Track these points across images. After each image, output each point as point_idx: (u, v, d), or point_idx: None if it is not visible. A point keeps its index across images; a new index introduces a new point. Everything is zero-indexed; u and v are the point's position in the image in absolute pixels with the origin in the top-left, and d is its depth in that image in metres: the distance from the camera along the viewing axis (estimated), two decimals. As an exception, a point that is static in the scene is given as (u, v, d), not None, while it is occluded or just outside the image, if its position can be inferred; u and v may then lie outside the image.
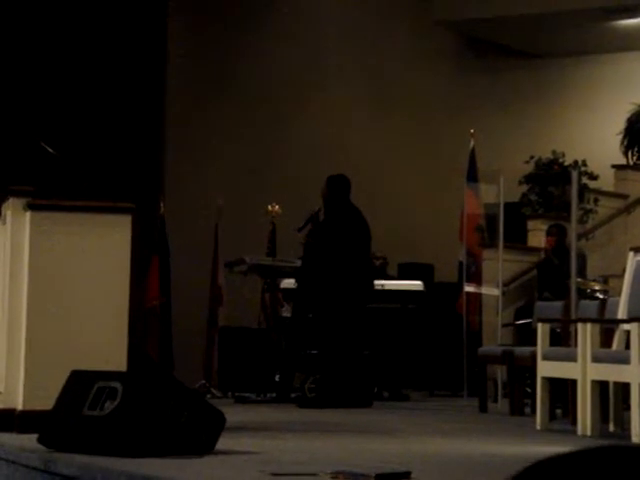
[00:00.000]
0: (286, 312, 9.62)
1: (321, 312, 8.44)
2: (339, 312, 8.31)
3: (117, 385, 4.45)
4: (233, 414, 5.58)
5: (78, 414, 4.48)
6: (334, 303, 8.33)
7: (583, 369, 6.01)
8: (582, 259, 9.54)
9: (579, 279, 8.13)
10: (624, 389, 6.07)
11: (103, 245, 5.58)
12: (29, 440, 4.66)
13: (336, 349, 8.29)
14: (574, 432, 6.09)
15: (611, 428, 6.28)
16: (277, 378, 9.17)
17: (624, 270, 6.41)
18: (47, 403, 4.74)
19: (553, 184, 11.08)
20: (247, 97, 12.85)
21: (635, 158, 11.72)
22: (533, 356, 6.89)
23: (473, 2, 12.16)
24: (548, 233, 10.30)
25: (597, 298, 8.20)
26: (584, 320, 6.22)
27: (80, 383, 4.63)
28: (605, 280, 9.64)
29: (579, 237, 9.00)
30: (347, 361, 8.29)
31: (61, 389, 4.69)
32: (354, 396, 8.22)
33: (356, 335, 8.42)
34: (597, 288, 9.13)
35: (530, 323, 8.05)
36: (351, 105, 13.16)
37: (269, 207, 10.39)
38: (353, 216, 8.55)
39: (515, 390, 7.85)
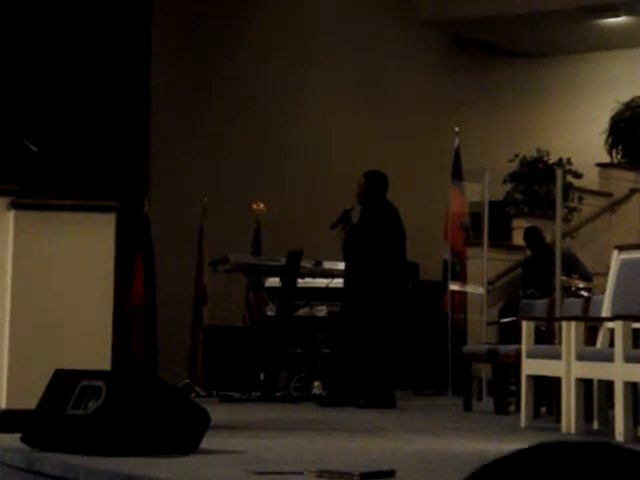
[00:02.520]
0: (271, 311, 9.61)
1: (361, 312, 8.30)
2: (377, 313, 8.18)
3: (101, 384, 4.44)
4: (218, 413, 5.57)
5: (62, 413, 4.47)
6: (373, 303, 8.18)
7: (567, 367, 6.02)
8: (572, 259, 9.56)
9: (564, 277, 8.15)
10: (608, 387, 6.09)
11: (87, 244, 5.57)
12: (12, 439, 4.65)
13: (374, 350, 8.16)
14: (558, 430, 6.11)
15: (595, 426, 6.30)
16: (262, 377, 9.16)
17: (608, 268, 6.42)
18: (30, 402, 4.72)
19: (538, 182, 11.10)
20: (233, 96, 12.83)
21: (619, 156, 11.76)
22: (518, 354, 6.90)
23: (459, 2, 12.17)
24: (531, 232, 10.33)
25: (581, 296, 8.22)
26: (568, 318, 6.24)
27: (64, 382, 4.62)
28: (589, 278, 9.67)
29: (564, 235, 9.02)
30: (380, 362, 8.17)
31: (45, 388, 4.68)
32: (380, 396, 8.14)
33: (393, 336, 8.29)
34: (581, 286, 9.15)
35: (515, 321, 8.07)
36: (337, 104, 13.16)
37: (254, 205, 10.38)
38: (390, 213, 8.41)
39: (500, 388, 7.86)
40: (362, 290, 8.25)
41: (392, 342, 8.30)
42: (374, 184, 8.44)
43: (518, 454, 1.27)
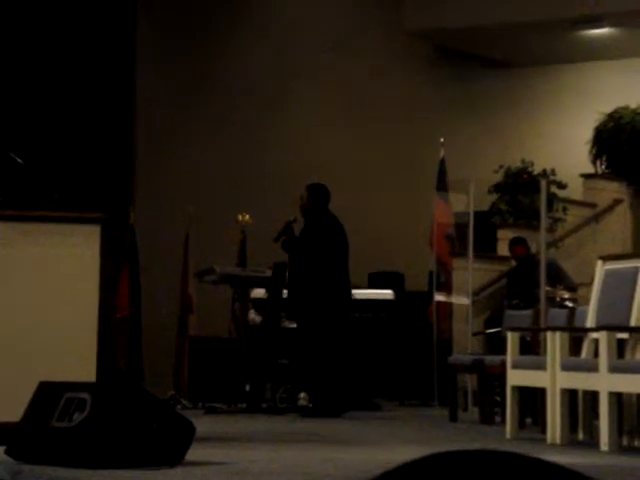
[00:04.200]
0: (256, 322, 9.60)
1: (305, 322, 8.42)
2: (323, 322, 8.29)
3: (86, 396, 4.42)
4: (203, 424, 5.56)
5: (46, 425, 4.45)
6: (317, 313, 8.30)
7: (552, 378, 6.04)
8: (556, 270, 9.58)
9: (548, 288, 8.17)
10: (593, 397, 6.10)
11: (72, 255, 5.55)
12: (-3, 452, 4.63)
13: (323, 359, 8.26)
14: (544, 441, 6.12)
15: (580, 437, 6.31)
16: (247, 388, 9.15)
17: (593, 279, 6.44)
18: (15, 414, 4.71)
19: (522, 193, 11.13)
20: (218, 106, 12.84)
21: (603, 167, 11.80)
22: (503, 365, 6.91)
23: (443, 12, 12.21)
24: (517, 242, 10.35)
25: (566, 306, 8.24)
26: (553, 329, 6.25)
27: (48, 394, 4.60)
28: (574, 288, 9.69)
29: (548, 246, 9.04)
30: (335, 369, 8.27)
31: (29, 400, 4.66)
32: (353, 401, 8.23)
33: (341, 344, 8.39)
34: (566, 296, 9.17)
35: (500, 332, 8.08)
36: (322, 114, 13.18)
37: (239, 217, 10.38)
38: (332, 225, 8.53)
39: (485, 399, 7.87)
40: (306, 301, 8.35)
41: (338, 352, 8.36)
42: (316, 196, 8.55)
43: (415, 462, 1.28)
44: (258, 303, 9.68)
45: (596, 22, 11.68)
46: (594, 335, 6.03)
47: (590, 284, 6.64)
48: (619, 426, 5.73)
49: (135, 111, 12.38)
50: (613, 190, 11.65)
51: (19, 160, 5.96)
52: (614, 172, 11.72)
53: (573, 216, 11.30)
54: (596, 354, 5.87)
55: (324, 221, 8.51)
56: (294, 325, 9.42)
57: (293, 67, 13.06)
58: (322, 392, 8.28)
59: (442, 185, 10.26)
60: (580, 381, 5.92)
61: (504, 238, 10.97)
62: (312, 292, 8.33)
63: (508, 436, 6.48)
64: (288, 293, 8.61)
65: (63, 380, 4.77)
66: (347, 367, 8.49)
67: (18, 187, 5.79)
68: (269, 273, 9.13)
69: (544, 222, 7.76)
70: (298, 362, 9.52)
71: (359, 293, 9.73)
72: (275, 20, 13.08)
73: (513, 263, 10.62)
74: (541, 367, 6.16)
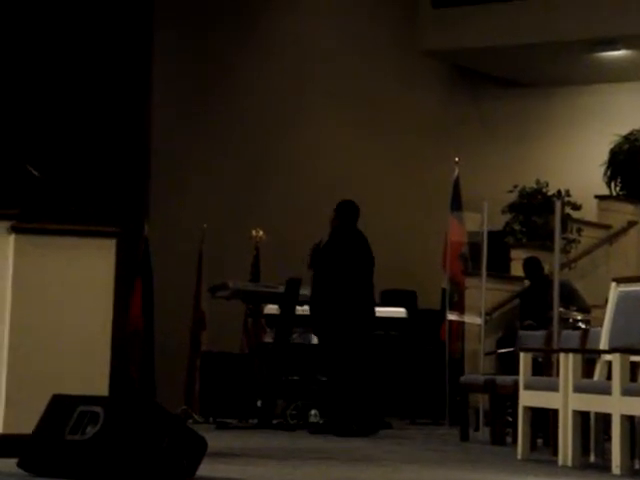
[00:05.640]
0: (269, 338, 9.60)
1: (328, 338, 8.36)
2: (345, 338, 8.22)
3: (99, 410, 4.43)
4: (215, 440, 5.56)
5: (59, 438, 4.46)
6: (340, 329, 8.23)
7: (565, 399, 6.02)
8: (570, 291, 9.57)
9: (562, 309, 8.16)
10: (605, 420, 6.08)
11: (88, 269, 5.57)
12: (8, 464, 4.63)
13: (344, 376, 8.20)
14: (555, 462, 6.10)
15: (592, 459, 6.29)
16: (259, 404, 9.15)
17: (606, 300, 6.43)
18: (28, 427, 4.72)
19: (536, 213, 11.13)
20: (233, 121, 12.87)
21: (618, 189, 11.79)
22: (515, 385, 6.89)
23: (459, 32, 12.24)
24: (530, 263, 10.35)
25: (579, 328, 8.22)
26: (566, 350, 6.24)
27: (62, 407, 4.61)
28: (587, 310, 9.68)
29: (562, 267, 9.03)
30: (355, 388, 8.21)
31: (42, 413, 4.67)
32: (364, 424, 8.15)
33: (363, 362, 8.33)
34: (579, 318, 9.16)
35: (512, 352, 8.06)
36: (337, 131, 13.20)
37: (253, 232, 10.39)
38: (358, 241, 8.49)
39: (497, 419, 7.85)
40: (329, 316, 8.30)
41: (364, 369, 8.32)
42: (344, 213, 8.55)
43: None
44: (271, 319, 9.69)
45: (612, 44, 11.70)
46: (607, 357, 6.01)
47: (603, 306, 6.63)
48: (631, 449, 5.71)
49: (151, 126, 12.41)
50: (627, 212, 11.63)
51: (36, 173, 5.98)
52: (629, 194, 11.71)
53: (587, 237, 11.28)
54: (609, 376, 5.86)
55: (350, 237, 8.49)
56: (304, 341, 9.43)
57: (307, 85, 13.09)
58: (339, 409, 8.20)
59: (456, 204, 10.25)
60: (592, 403, 5.90)
61: (517, 258, 10.96)
62: (335, 308, 8.27)
63: (519, 457, 6.46)
64: (311, 308, 8.55)
65: (76, 393, 4.78)
66: (369, 386, 8.39)
67: (35, 200, 5.82)
68: (282, 289, 9.13)
69: (558, 243, 7.75)
70: (310, 378, 9.52)
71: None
72: (289, 39, 13.11)
73: (526, 283, 10.60)
74: (553, 388, 6.14)
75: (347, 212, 8.58)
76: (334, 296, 8.27)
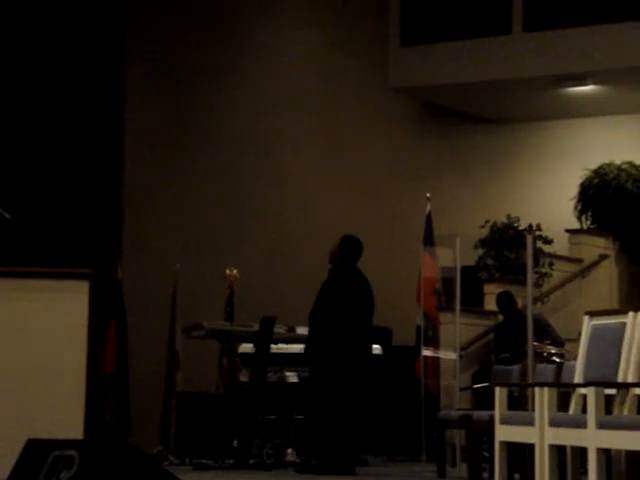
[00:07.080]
0: (244, 377, 9.57)
1: (322, 376, 8.25)
2: (340, 377, 8.13)
3: (73, 453, 4.40)
4: (191, 482, 5.52)
5: (34, 483, 4.42)
6: (336, 368, 8.14)
7: (541, 433, 6.03)
8: (543, 325, 9.61)
9: (535, 342, 8.18)
10: (582, 454, 6.09)
11: (61, 311, 5.56)
12: (-16, 510, 4.59)
13: (331, 416, 8.10)
14: (532, 497, 6.09)
15: (569, 492, 6.28)
16: (235, 444, 9.10)
17: (579, 334, 6.46)
18: (2, 473, 4.68)
19: (508, 248, 11.18)
20: (206, 162, 12.90)
21: (589, 223, 11.87)
22: (491, 420, 6.89)
23: (428, 69, 12.34)
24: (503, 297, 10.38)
25: (554, 362, 8.24)
26: (541, 384, 6.25)
27: (36, 452, 4.58)
28: (561, 343, 9.71)
29: (535, 301, 9.07)
30: (336, 426, 8.11)
31: (17, 458, 4.64)
32: (346, 462, 8.07)
33: (356, 403, 8.23)
34: (553, 351, 9.19)
35: (488, 387, 8.07)
36: (309, 169, 13.25)
37: (227, 271, 10.38)
38: (357, 281, 8.37)
39: (473, 454, 7.84)
40: (327, 354, 8.21)
41: (358, 407, 8.25)
42: (347, 249, 8.46)
43: None
44: (245, 358, 9.66)
45: (580, 80, 11.81)
46: (582, 391, 6.03)
47: (577, 339, 6.66)
48: (608, 482, 5.72)
49: (123, 166, 12.42)
50: (599, 245, 11.71)
51: (7, 215, 5.97)
52: (599, 227, 11.79)
53: (559, 271, 11.34)
54: (584, 410, 5.87)
55: (349, 276, 8.38)
56: (277, 379, 9.39)
57: (277, 123, 13.15)
58: (330, 448, 8.11)
59: (429, 240, 10.29)
60: (568, 437, 5.91)
61: (491, 293, 10.99)
62: (334, 349, 8.15)
63: (497, 492, 6.45)
64: (306, 346, 8.43)
65: (51, 437, 4.75)
66: (360, 424, 8.29)
67: (6, 243, 5.80)
68: (257, 328, 9.12)
69: (530, 277, 7.77)
70: (287, 417, 9.48)
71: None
72: (260, 77, 13.19)
73: (500, 318, 10.63)
74: (529, 423, 6.15)
75: (350, 249, 8.45)
76: (333, 337, 8.18)
